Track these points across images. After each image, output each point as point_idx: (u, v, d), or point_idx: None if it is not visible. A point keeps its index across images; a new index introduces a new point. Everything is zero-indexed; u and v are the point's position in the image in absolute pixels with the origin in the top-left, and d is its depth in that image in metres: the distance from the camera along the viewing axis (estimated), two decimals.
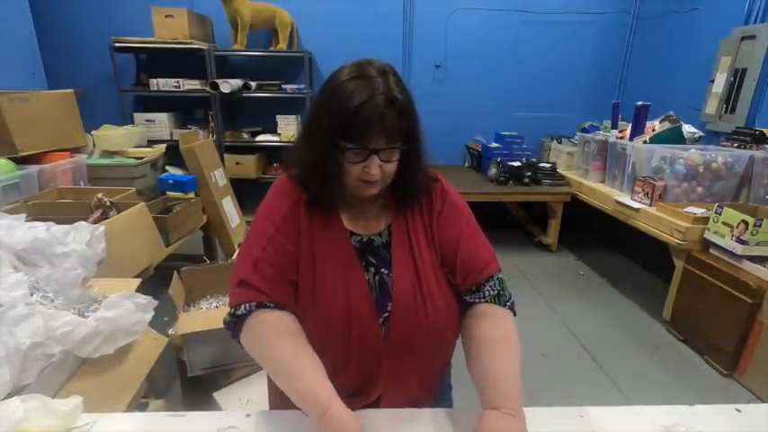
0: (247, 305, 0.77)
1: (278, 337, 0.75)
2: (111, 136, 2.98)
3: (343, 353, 0.80)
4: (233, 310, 0.78)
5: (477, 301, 0.83)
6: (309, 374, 0.71)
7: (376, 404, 0.85)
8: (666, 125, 2.93)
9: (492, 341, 0.78)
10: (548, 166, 3.66)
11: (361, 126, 0.72)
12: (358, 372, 0.81)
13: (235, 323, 0.79)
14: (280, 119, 3.99)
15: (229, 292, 0.81)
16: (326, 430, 0.66)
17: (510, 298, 0.86)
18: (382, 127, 0.72)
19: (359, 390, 0.83)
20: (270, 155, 4.17)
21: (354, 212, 0.86)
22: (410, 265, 0.82)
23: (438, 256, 0.85)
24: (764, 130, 2.61)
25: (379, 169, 0.75)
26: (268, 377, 1.00)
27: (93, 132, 2.93)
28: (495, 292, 0.83)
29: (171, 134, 3.83)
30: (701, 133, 2.96)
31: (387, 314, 0.80)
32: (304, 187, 0.83)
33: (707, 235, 2.29)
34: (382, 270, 0.83)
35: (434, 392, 0.93)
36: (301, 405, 0.71)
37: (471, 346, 0.80)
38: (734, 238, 2.13)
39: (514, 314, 0.85)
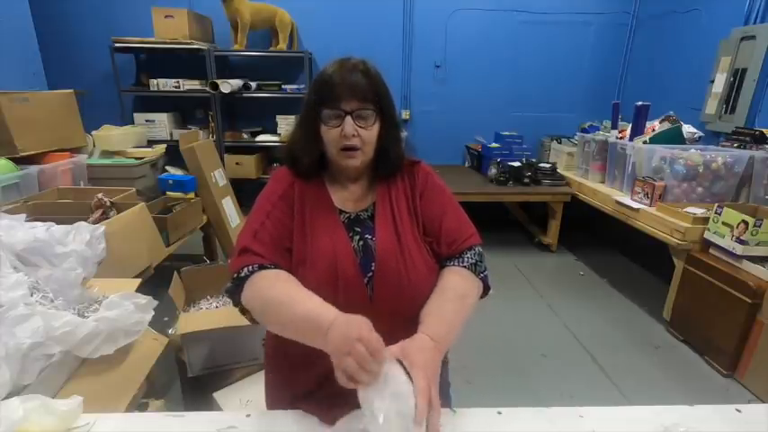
0: (250, 267, 0.82)
1: (278, 281, 0.81)
2: (111, 136, 2.98)
3: None
4: (236, 274, 0.83)
5: (455, 265, 0.90)
6: (309, 299, 0.76)
7: None
8: (666, 125, 2.93)
9: (451, 291, 0.86)
10: (548, 166, 3.66)
11: (334, 90, 0.83)
12: None
13: (237, 286, 0.83)
14: (280, 119, 4.00)
15: (230, 262, 0.87)
16: (335, 335, 0.68)
17: (485, 270, 0.93)
18: (352, 89, 0.83)
19: None
20: (270, 155, 4.17)
21: (343, 193, 0.94)
22: (392, 231, 0.89)
23: (419, 228, 0.92)
24: (764, 130, 2.61)
25: (355, 131, 0.84)
26: (265, 378, 1.00)
27: (93, 132, 2.93)
28: (474, 260, 0.91)
29: (171, 134, 3.84)
30: (701, 133, 2.96)
31: (371, 274, 0.85)
32: (294, 164, 0.92)
33: (707, 235, 2.29)
34: (366, 236, 0.90)
35: None
36: (305, 331, 0.73)
37: (435, 289, 0.86)
38: (734, 239, 2.13)
39: (487, 287, 0.93)
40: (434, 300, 0.84)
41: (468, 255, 0.91)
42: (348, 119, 0.83)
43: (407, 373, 0.68)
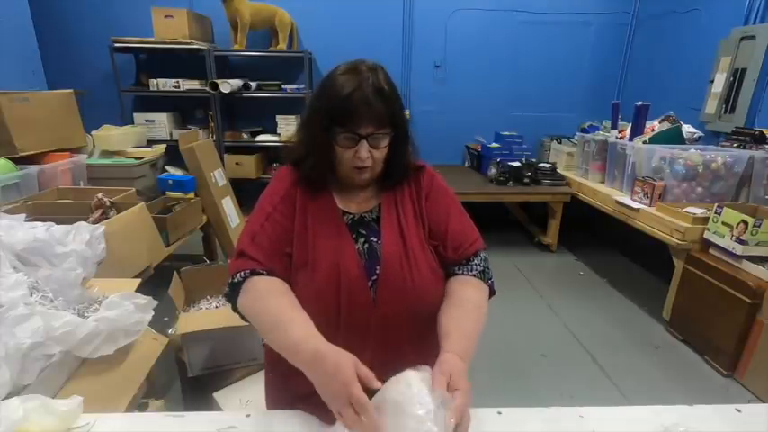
0: (243, 273, 0.83)
1: (270, 294, 0.81)
2: (111, 136, 2.98)
3: (333, 315, 0.83)
4: (231, 278, 0.84)
5: (464, 273, 0.90)
6: (298, 325, 0.75)
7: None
8: (666, 125, 2.93)
9: (468, 302, 0.86)
10: (547, 166, 3.66)
11: (351, 112, 0.80)
12: (347, 338, 0.82)
13: (232, 290, 0.84)
14: (280, 119, 3.99)
15: (230, 263, 0.88)
16: (320, 370, 0.68)
17: (491, 276, 0.93)
18: (370, 114, 0.81)
19: None
20: (270, 155, 4.17)
21: (347, 195, 0.93)
22: (397, 234, 0.88)
23: (425, 231, 0.91)
24: (764, 130, 2.61)
25: (368, 154, 0.83)
26: (265, 378, 1.00)
27: (93, 132, 2.93)
28: (481, 268, 0.91)
29: (171, 134, 3.83)
30: (701, 133, 2.96)
31: (375, 277, 0.85)
32: (299, 170, 0.91)
33: (706, 235, 2.29)
34: (371, 239, 0.89)
35: None
36: (293, 356, 0.73)
37: (448, 301, 0.86)
38: (733, 239, 2.13)
39: (493, 292, 0.94)
40: (453, 314, 0.83)
41: (476, 261, 0.91)
42: (363, 143, 0.82)
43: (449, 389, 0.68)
